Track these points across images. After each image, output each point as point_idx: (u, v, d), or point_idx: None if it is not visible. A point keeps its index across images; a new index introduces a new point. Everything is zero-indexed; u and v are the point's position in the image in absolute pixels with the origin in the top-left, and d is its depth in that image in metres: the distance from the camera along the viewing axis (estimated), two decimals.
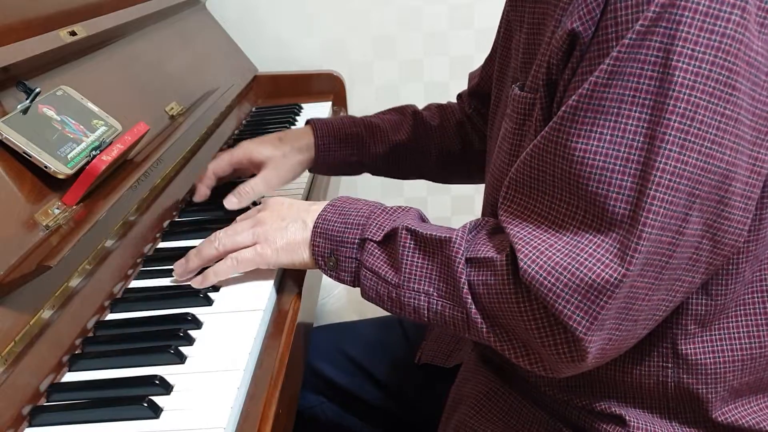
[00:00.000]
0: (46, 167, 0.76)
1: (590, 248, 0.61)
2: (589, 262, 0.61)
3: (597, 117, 0.60)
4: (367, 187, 1.86)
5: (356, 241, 0.76)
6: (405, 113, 1.10)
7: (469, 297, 0.68)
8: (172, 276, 0.84)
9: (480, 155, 1.06)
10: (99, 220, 0.77)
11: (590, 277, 0.60)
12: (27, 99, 0.79)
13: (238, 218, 0.87)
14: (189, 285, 0.82)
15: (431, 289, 0.71)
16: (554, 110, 0.67)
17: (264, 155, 1.03)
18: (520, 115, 0.72)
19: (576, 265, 0.61)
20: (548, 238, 0.64)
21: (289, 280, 0.86)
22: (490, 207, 0.80)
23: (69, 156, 0.79)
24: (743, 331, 0.69)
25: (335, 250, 0.77)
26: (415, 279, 0.72)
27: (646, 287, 0.62)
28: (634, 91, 0.59)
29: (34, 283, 0.68)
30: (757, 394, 0.72)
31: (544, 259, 0.62)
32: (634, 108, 0.59)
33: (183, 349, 0.70)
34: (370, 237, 0.75)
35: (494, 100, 0.88)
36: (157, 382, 0.65)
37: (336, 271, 0.77)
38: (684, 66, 0.58)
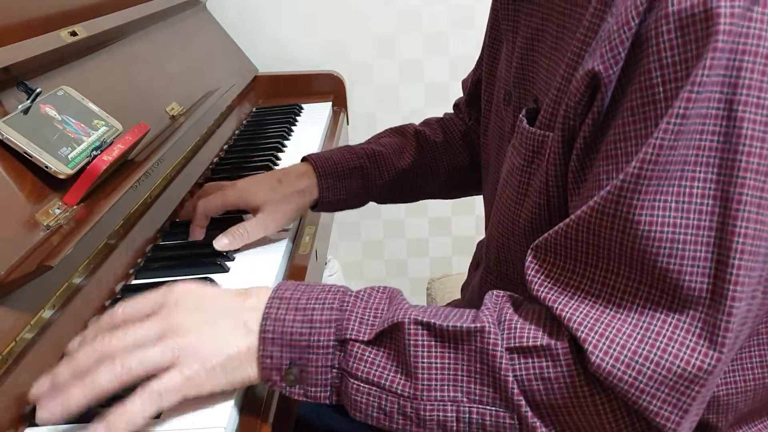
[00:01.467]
0: (46, 167, 0.76)
1: (668, 331, 0.54)
2: (672, 347, 0.54)
3: (661, 184, 0.53)
4: None
5: (331, 343, 0.60)
6: (406, 135, 1.04)
7: (522, 397, 0.57)
8: (172, 276, 0.84)
9: None
10: (100, 220, 0.77)
11: (679, 366, 0.53)
12: (28, 99, 0.79)
13: (122, 308, 0.63)
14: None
15: (459, 395, 0.58)
16: (573, 156, 0.61)
17: (261, 199, 0.93)
18: (529, 151, 0.66)
19: (658, 353, 0.54)
20: (612, 322, 0.55)
21: None
22: (498, 244, 0.74)
23: (70, 156, 0.79)
24: (756, 361, 0.65)
25: (297, 359, 0.60)
26: (437, 385, 0.58)
27: (724, 365, 0.55)
28: (698, 150, 0.52)
29: (35, 283, 0.68)
30: (763, 416, 0.71)
31: (618, 348, 0.54)
32: (699, 168, 0.52)
33: None
34: (352, 337, 0.60)
35: (485, 106, 0.86)
36: None
37: (301, 385, 0.60)
38: (751, 116, 0.51)
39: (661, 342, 0.54)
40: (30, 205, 0.73)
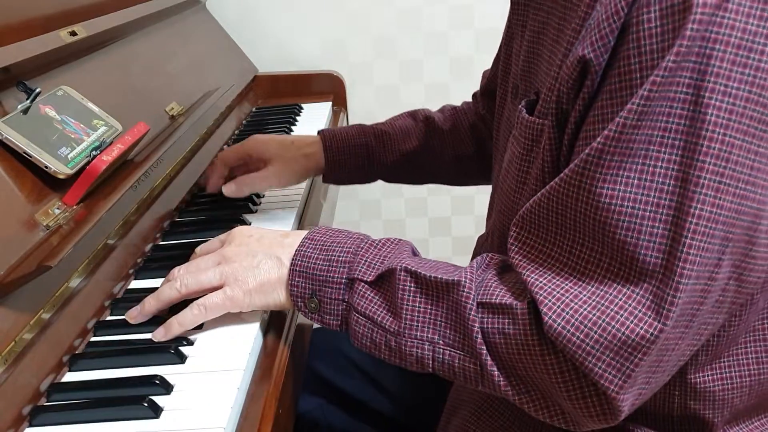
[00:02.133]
0: (46, 167, 0.76)
1: (620, 300, 0.57)
2: (621, 316, 0.57)
3: (624, 160, 0.56)
4: (367, 189, 1.86)
5: (343, 280, 0.69)
6: (417, 119, 1.09)
7: (484, 347, 0.63)
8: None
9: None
10: (99, 220, 0.77)
11: (624, 333, 0.56)
12: (27, 99, 0.79)
13: (197, 250, 0.81)
14: None
15: (436, 337, 0.65)
16: (565, 141, 0.63)
17: (271, 153, 1.04)
18: (527, 140, 0.69)
19: (607, 320, 0.57)
20: (571, 288, 0.59)
21: None
22: (499, 231, 0.77)
23: (69, 156, 0.79)
24: (752, 357, 0.67)
25: (317, 290, 0.70)
26: (418, 326, 0.66)
27: (676, 337, 0.58)
28: (663, 131, 0.55)
29: (35, 283, 0.68)
30: (759, 413, 0.71)
31: (571, 312, 0.58)
32: (664, 149, 0.55)
33: (183, 349, 0.70)
34: (359, 276, 0.69)
35: (499, 102, 0.87)
36: (157, 382, 0.65)
37: (318, 313, 0.71)
38: (717, 103, 0.53)
39: (612, 310, 0.57)
40: (29, 205, 0.73)
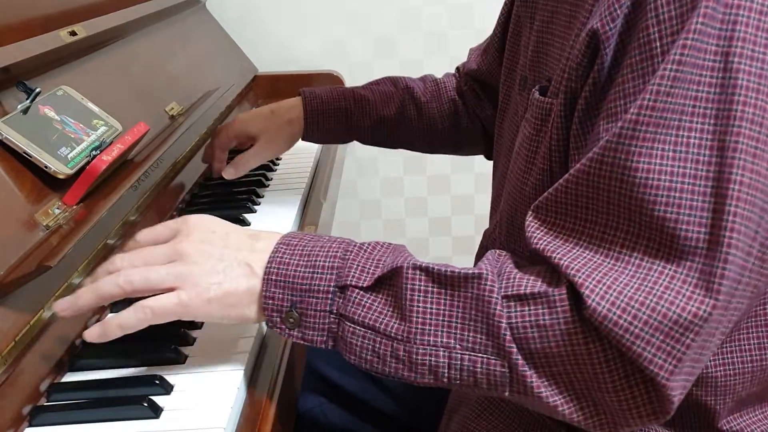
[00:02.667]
0: (46, 167, 0.76)
1: (665, 280, 0.54)
2: (669, 294, 0.53)
3: (659, 131, 0.54)
4: (367, 187, 1.86)
5: (331, 288, 0.61)
6: (398, 86, 1.11)
7: (514, 345, 0.57)
8: None
9: (469, 133, 1.11)
10: (99, 220, 0.77)
11: (675, 312, 0.53)
12: (27, 99, 0.79)
13: (140, 237, 0.69)
14: None
15: (452, 341, 0.58)
16: (575, 119, 0.62)
17: (257, 129, 1.09)
18: (537, 120, 0.67)
19: (655, 299, 0.53)
20: (611, 270, 0.56)
21: None
22: (507, 217, 0.75)
23: (69, 156, 0.79)
24: (754, 343, 0.66)
25: (298, 302, 0.61)
26: (431, 330, 0.59)
27: (719, 319, 0.55)
28: (694, 100, 0.53)
29: (35, 283, 0.68)
30: (763, 402, 0.71)
31: (615, 294, 0.54)
32: (696, 119, 0.53)
33: (183, 348, 0.70)
34: (352, 283, 0.61)
35: (503, 99, 0.87)
36: (157, 382, 0.65)
37: (299, 329, 0.62)
38: (746, 68, 0.52)
39: (658, 289, 0.54)
40: (29, 205, 0.73)
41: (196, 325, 0.74)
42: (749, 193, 0.53)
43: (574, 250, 0.58)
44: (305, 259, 0.62)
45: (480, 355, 0.58)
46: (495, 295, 0.58)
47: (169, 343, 0.71)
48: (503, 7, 0.92)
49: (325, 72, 1.69)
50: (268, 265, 0.63)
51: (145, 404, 0.62)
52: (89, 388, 0.67)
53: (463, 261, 1.98)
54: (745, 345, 0.66)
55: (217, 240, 0.65)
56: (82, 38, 0.96)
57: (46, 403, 0.65)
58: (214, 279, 0.62)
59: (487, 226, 0.88)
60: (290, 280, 0.62)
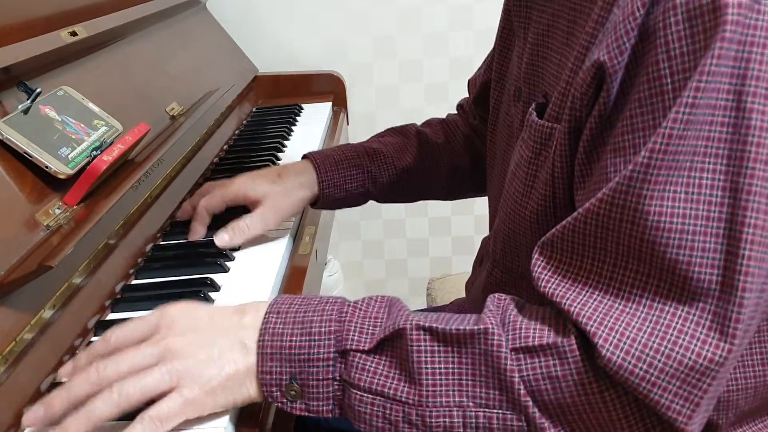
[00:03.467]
0: (47, 167, 0.76)
1: (677, 322, 0.54)
2: (683, 339, 0.53)
3: (671, 174, 0.53)
4: None
5: (332, 355, 0.59)
6: (408, 135, 1.04)
7: (529, 398, 0.56)
8: (172, 276, 0.84)
9: None
10: (100, 220, 0.77)
11: (690, 358, 0.53)
12: (28, 99, 0.79)
13: (115, 334, 0.62)
14: (192, 283, 0.82)
15: (465, 399, 0.57)
16: (581, 149, 0.61)
17: (261, 192, 0.92)
18: (536, 143, 0.67)
19: (669, 346, 0.53)
20: (622, 315, 0.55)
21: None
22: (504, 237, 0.74)
23: (70, 156, 0.79)
24: (757, 359, 0.65)
25: (298, 373, 0.59)
26: (442, 391, 0.57)
27: (735, 357, 0.54)
28: (707, 140, 0.52)
29: (35, 283, 0.68)
30: (762, 414, 0.70)
31: (629, 341, 0.54)
32: (708, 159, 0.52)
33: None
34: (353, 347, 0.59)
35: (494, 105, 0.86)
36: None
37: (302, 400, 0.59)
38: (760, 107, 0.51)
39: (672, 334, 0.53)
40: (30, 205, 0.73)
41: None
42: (763, 235, 0.52)
43: (583, 293, 0.57)
44: (299, 326, 0.60)
45: (495, 411, 0.57)
46: (504, 350, 0.57)
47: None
48: (500, 21, 0.88)
49: (325, 72, 1.69)
50: (261, 338, 0.60)
51: None
52: None
53: (462, 260, 1.99)
54: (748, 361, 0.65)
55: (203, 325, 0.62)
56: (82, 38, 0.96)
57: None
58: (213, 369, 0.59)
59: (486, 226, 0.88)
60: (286, 351, 0.59)
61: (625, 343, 0.54)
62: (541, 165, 0.67)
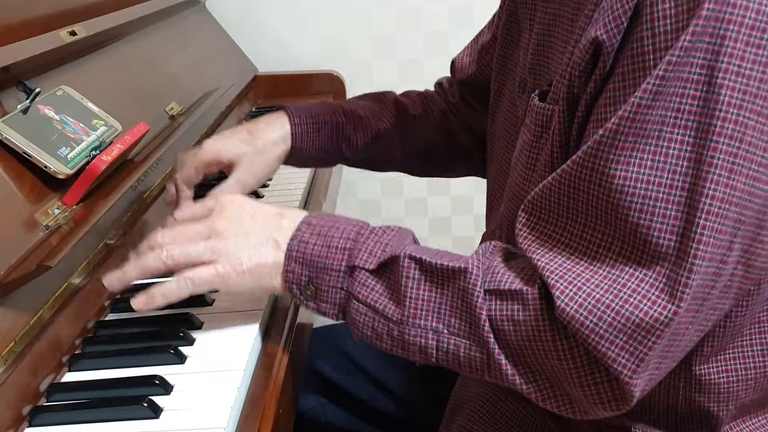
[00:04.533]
0: (46, 167, 0.76)
1: (633, 283, 0.57)
2: (634, 299, 0.56)
3: (638, 141, 0.56)
4: (367, 189, 1.86)
5: (342, 267, 0.67)
6: (385, 101, 1.02)
7: (492, 335, 0.62)
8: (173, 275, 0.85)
9: (464, 150, 1.02)
10: (99, 220, 0.77)
11: (638, 316, 0.56)
12: (27, 99, 0.79)
13: (178, 215, 0.75)
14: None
15: (440, 326, 0.64)
16: (575, 125, 0.63)
17: (234, 153, 0.90)
18: (538, 126, 0.68)
19: (620, 303, 0.56)
20: (583, 272, 0.59)
21: None
22: (509, 222, 0.76)
23: (69, 156, 0.79)
24: (757, 350, 0.67)
25: (315, 277, 0.67)
26: (422, 315, 0.64)
27: (687, 321, 0.58)
28: (677, 112, 0.55)
29: (34, 283, 0.68)
30: (764, 408, 0.71)
31: (583, 296, 0.57)
32: (677, 130, 0.55)
33: (183, 349, 0.70)
34: (360, 264, 0.66)
35: (494, 95, 0.86)
36: (157, 382, 0.65)
37: (315, 301, 0.68)
38: (730, 84, 0.53)
39: (625, 293, 0.57)
40: (29, 205, 0.73)
41: (196, 326, 0.74)
42: (721, 206, 0.55)
43: (553, 250, 0.61)
44: (322, 239, 0.68)
45: (464, 340, 0.63)
46: (478, 289, 0.62)
47: (170, 343, 0.71)
48: (500, 7, 0.90)
49: (325, 72, 1.68)
50: (290, 242, 0.68)
51: (145, 404, 0.62)
52: (89, 388, 0.67)
53: None
54: (748, 351, 0.66)
55: (247, 218, 0.71)
56: (81, 38, 0.95)
57: (45, 403, 0.65)
58: (246, 253, 0.68)
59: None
60: (308, 258, 0.67)
61: (580, 297, 0.57)
62: (542, 148, 0.68)
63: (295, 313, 0.80)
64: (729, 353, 0.66)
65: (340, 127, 0.97)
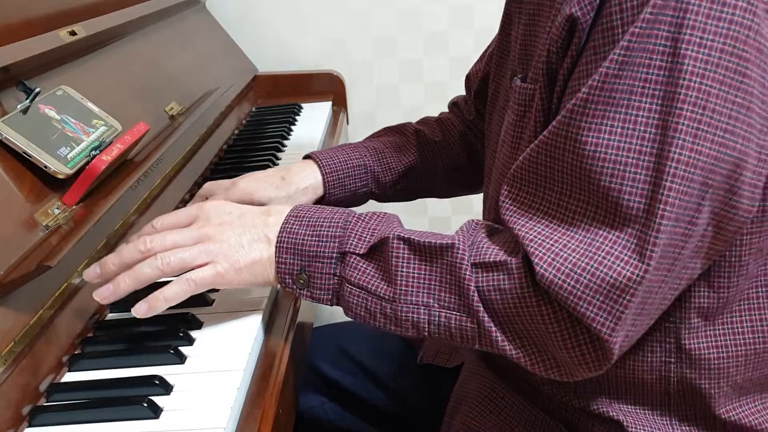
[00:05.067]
0: (46, 167, 0.76)
1: (606, 246, 0.60)
2: (608, 260, 0.60)
3: (608, 109, 0.59)
4: None
5: (334, 254, 0.70)
6: (406, 134, 1.05)
7: (481, 305, 0.65)
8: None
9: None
10: (99, 219, 0.77)
11: (612, 276, 0.59)
12: (27, 99, 0.79)
13: (158, 224, 0.75)
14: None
15: (431, 301, 0.67)
16: (554, 100, 0.66)
17: (266, 197, 0.94)
18: (521, 106, 0.71)
19: (595, 265, 0.60)
20: (560, 238, 0.62)
21: None
22: (494, 200, 0.77)
23: (69, 156, 0.79)
24: (747, 326, 0.69)
25: (307, 266, 0.71)
26: (413, 291, 0.67)
27: (659, 280, 0.61)
28: (644, 82, 0.58)
29: (34, 283, 0.68)
30: (762, 392, 0.72)
31: (561, 261, 0.61)
32: (644, 99, 0.58)
33: (183, 349, 0.70)
34: (351, 250, 0.69)
35: (492, 94, 0.87)
36: (156, 382, 0.65)
37: (308, 288, 0.71)
38: (693, 54, 0.57)
39: (599, 255, 0.60)
40: (29, 205, 0.73)
41: (196, 326, 0.74)
42: (686, 170, 0.58)
43: (533, 219, 0.64)
44: (311, 228, 0.71)
45: (454, 312, 0.66)
46: (465, 263, 0.65)
47: (169, 343, 0.71)
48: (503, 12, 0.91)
49: (325, 72, 1.69)
50: (280, 235, 0.72)
51: (145, 404, 0.62)
52: (89, 388, 0.67)
53: None
54: (738, 327, 0.69)
55: (235, 219, 0.74)
56: (81, 38, 0.95)
57: (45, 404, 0.65)
58: (241, 252, 0.71)
59: None
60: (299, 247, 0.71)
61: (557, 262, 0.61)
62: (525, 126, 0.71)
63: (295, 312, 0.80)
64: (719, 328, 0.68)
65: (369, 170, 1.01)
